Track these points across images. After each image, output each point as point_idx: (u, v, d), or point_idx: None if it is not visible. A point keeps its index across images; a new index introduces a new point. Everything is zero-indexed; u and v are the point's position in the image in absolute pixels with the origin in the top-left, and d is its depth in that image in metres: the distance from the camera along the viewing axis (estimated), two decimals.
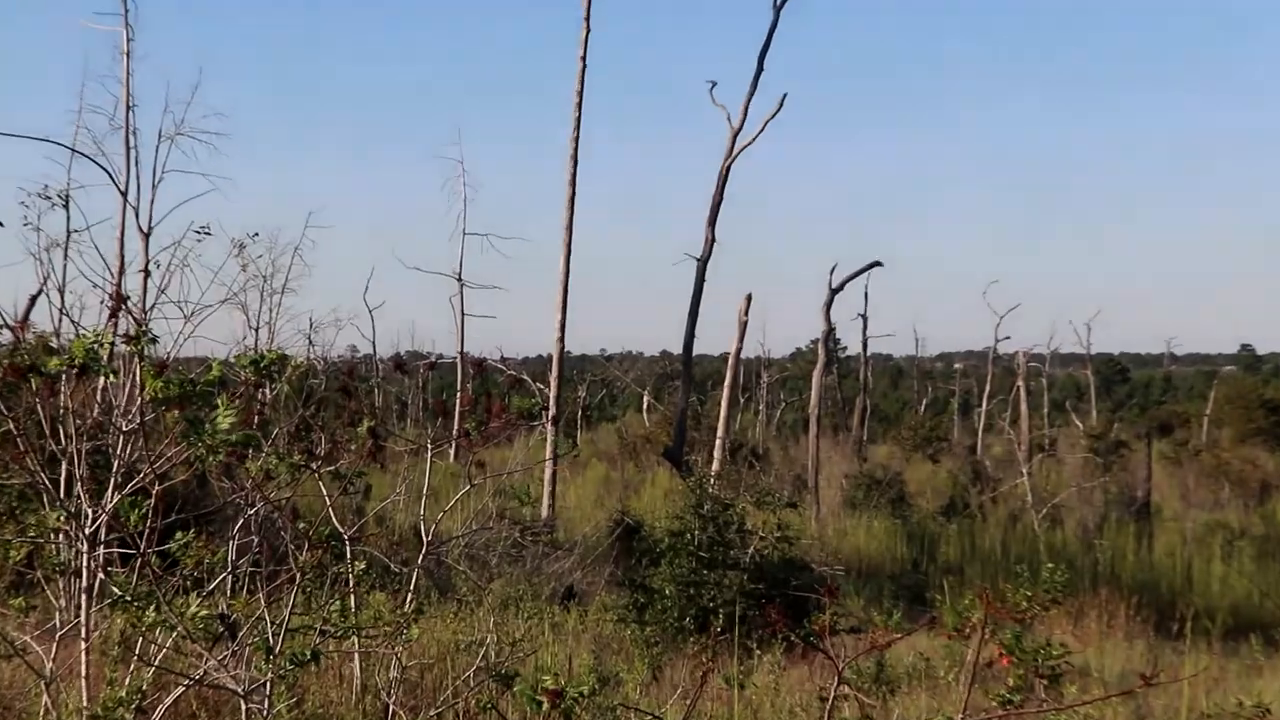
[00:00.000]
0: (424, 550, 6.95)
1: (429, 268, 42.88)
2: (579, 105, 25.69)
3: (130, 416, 6.43)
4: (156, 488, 5.48)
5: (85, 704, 5.85)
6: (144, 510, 5.07)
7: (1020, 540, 28.39)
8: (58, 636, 6.46)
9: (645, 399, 56.07)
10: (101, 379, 6.65)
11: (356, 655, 7.10)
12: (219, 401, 4.87)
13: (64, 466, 6.61)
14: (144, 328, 5.22)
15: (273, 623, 5.19)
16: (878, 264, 38.09)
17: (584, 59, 25.72)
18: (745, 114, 30.18)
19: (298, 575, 5.01)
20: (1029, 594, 11.55)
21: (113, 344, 5.65)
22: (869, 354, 53.37)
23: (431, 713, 6.64)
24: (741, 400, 55.35)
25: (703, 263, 29.45)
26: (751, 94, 30.17)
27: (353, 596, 6.50)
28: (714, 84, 31.31)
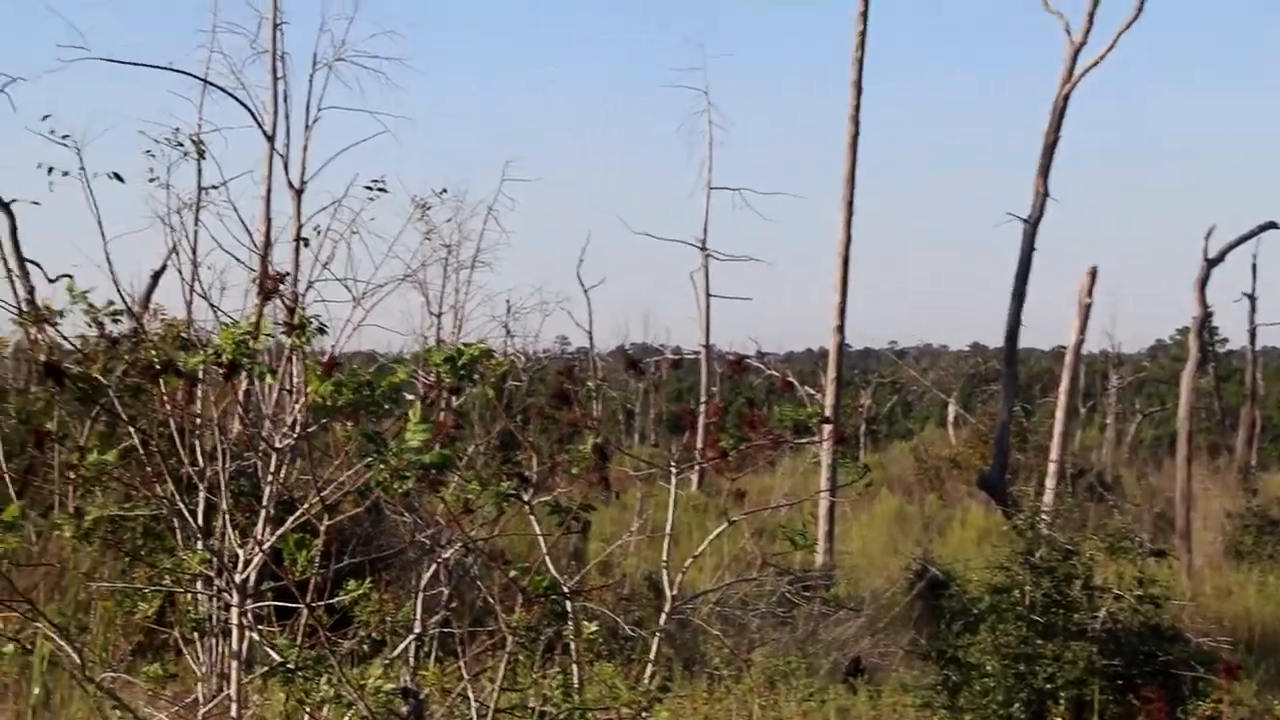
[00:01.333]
0: (667, 608, 6.94)
1: (663, 233, 42.46)
2: (864, 13, 25.29)
3: (286, 430, 6.58)
4: (325, 523, 5.60)
5: None
6: (313, 552, 5.18)
7: None
8: (201, 715, 6.67)
9: (951, 408, 55.18)
10: (254, 380, 6.85)
11: None
12: (409, 411, 4.94)
13: (202, 494, 6.81)
14: (309, 315, 5.34)
15: (476, 700, 5.24)
16: (1272, 225, 36.47)
17: None
18: (1090, 24, 29.27)
19: (507, 639, 5.04)
20: None
21: (269, 335, 5.79)
22: (1258, 348, 51.35)
23: None
24: (1083, 410, 54.16)
25: (1031, 225, 28.67)
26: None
27: (575, 667, 6.53)
28: None
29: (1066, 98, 29.18)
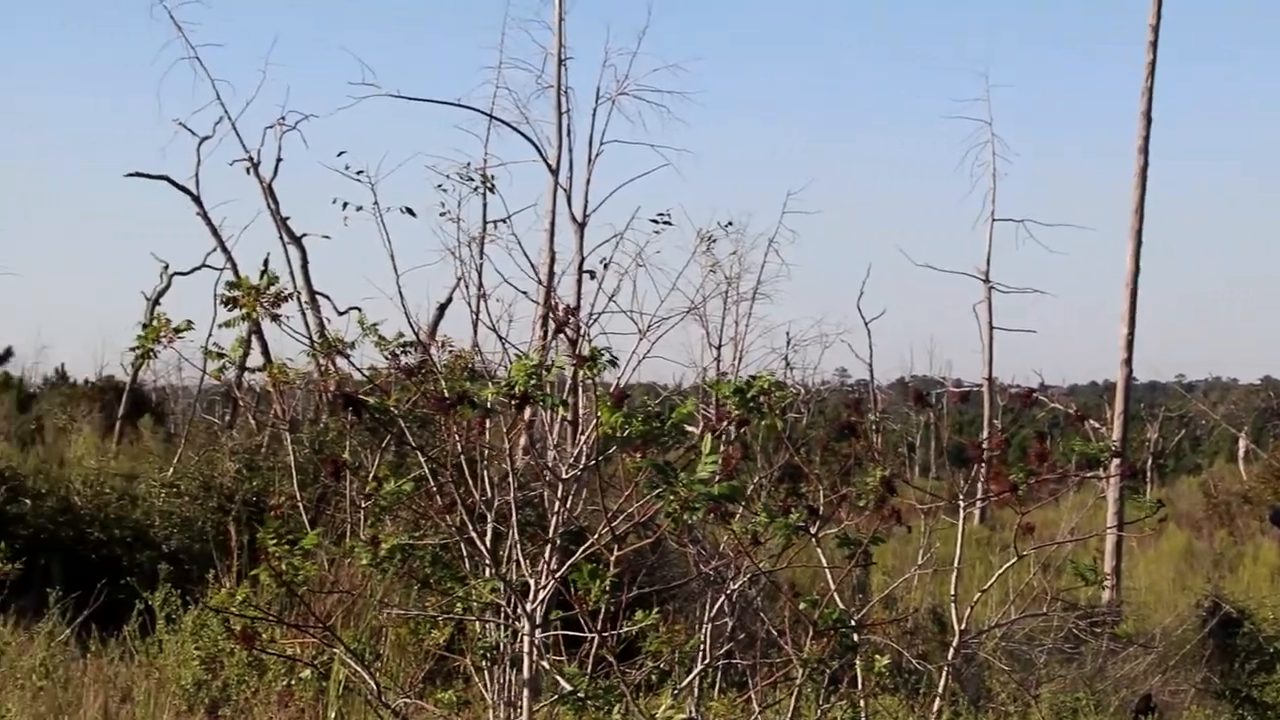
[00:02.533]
0: (955, 642, 6.88)
1: (944, 265, 42.00)
2: (1153, 43, 24.61)
3: (571, 461, 6.68)
4: (614, 553, 5.67)
5: None
6: (606, 581, 5.26)
7: None
8: None
9: (1242, 442, 53.54)
10: (540, 412, 6.98)
11: None
12: (700, 443, 4.98)
13: (489, 524, 6.95)
14: (599, 348, 5.42)
15: None
16: None
17: None
18: None
19: (800, 671, 5.04)
20: None
21: (562, 368, 5.89)
22: None
23: None
24: None
25: None
26: None
27: (862, 701, 6.50)
28: None
29: None
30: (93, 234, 76.59)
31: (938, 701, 6.71)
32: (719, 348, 34.22)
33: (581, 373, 5.69)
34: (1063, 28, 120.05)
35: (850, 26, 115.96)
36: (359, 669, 6.76)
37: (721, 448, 5.85)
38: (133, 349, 7.79)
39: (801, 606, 5.48)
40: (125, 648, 11.47)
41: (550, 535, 6.52)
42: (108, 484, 17.93)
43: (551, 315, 14.34)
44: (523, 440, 7.22)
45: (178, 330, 8.41)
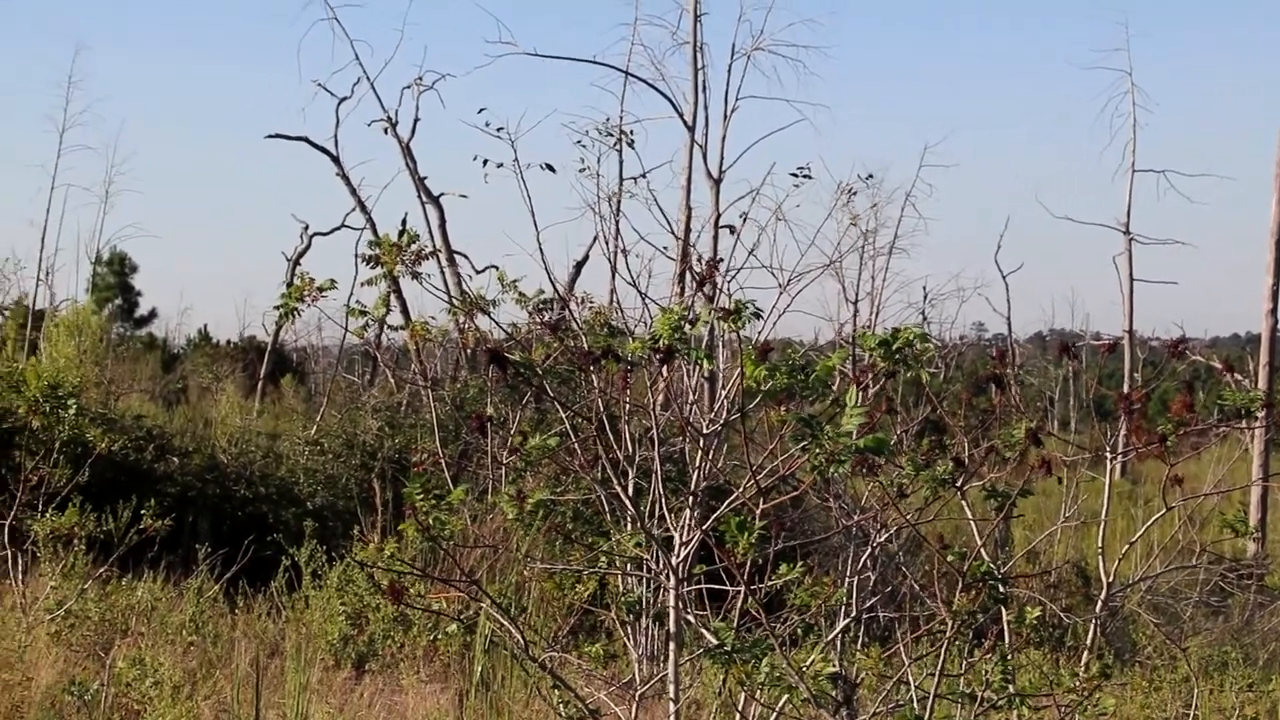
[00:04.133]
0: (1103, 595, 6.81)
1: (1082, 217, 41.33)
2: None
3: (714, 415, 6.67)
4: (759, 506, 5.65)
5: None
6: (754, 534, 5.24)
7: None
8: (637, 695, 6.83)
9: None
10: (683, 366, 6.97)
11: None
12: (845, 395, 4.95)
13: (630, 479, 6.98)
14: (744, 301, 5.40)
15: (916, 686, 5.22)
16: None
17: None
18: None
19: (949, 623, 5.01)
20: None
21: (707, 322, 5.88)
22: None
23: None
24: None
25: None
26: None
27: (1008, 655, 6.44)
28: None
29: None
30: (234, 197, 77.77)
31: (1085, 655, 6.64)
32: (855, 302, 34.12)
33: (723, 327, 5.68)
34: None
35: None
36: (505, 623, 6.81)
37: (879, 402, 5.82)
38: (276, 308, 7.91)
39: (950, 559, 5.43)
40: (272, 603, 11.66)
41: (692, 489, 6.52)
42: (252, 442, 18.23)
43: (690, 271, 14.33)
44: (660, 396, 7.21)
45: (321, 289, 8.51)
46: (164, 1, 75.99)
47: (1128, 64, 43.21)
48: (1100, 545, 7.14)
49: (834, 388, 6.05)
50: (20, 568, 11.27)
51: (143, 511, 11.41)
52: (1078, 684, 5.66)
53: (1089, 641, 6.81)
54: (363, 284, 8.90)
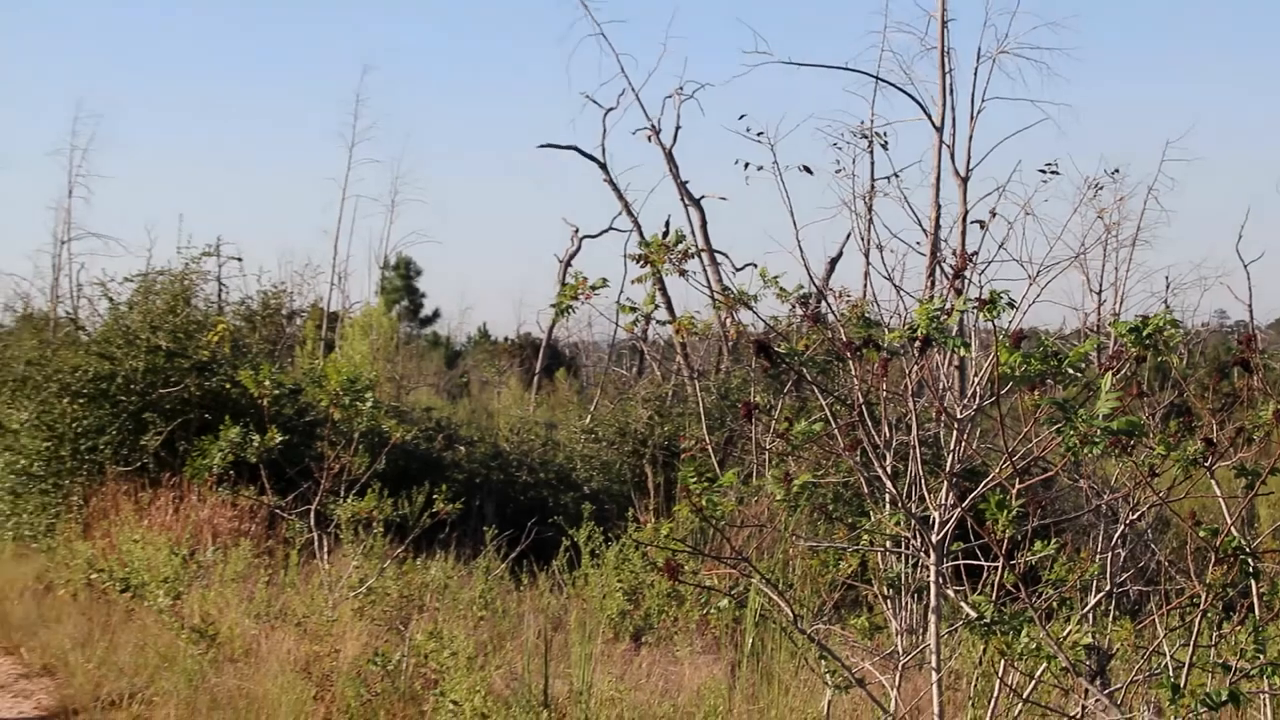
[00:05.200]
0: None
1: None
2: None
3: (968, 400, 6.68)
4: (1015, 486, 5.67)
5: None
6: (1012, 513, 5.26)
7: None
8: (900, 666, 6.89)
9: None
10: (932, 357, 6.97)
11: (1266, 699, 6.93)
12: (1100, 380, 4.94)
13: (889, 461, 7.01)
14: (999, 291, 5.42)
15: (1170, 656, 5.18)
16: None
17: None
18: None
19: (1202, 596, 4.96)
20: None
21: (961, 312, 5.90)
22: None
23: None
24: None
25: None
26: None
27: (1259, 626, 6.33)
28: None
29: None
30: (508, 203, 79.16)
31: None
32: (1100, 293, 33.54)
33: (979, 316, 5.70)
34: None
35: None
36: (774, 597, 6.90)
37: (1131, 385, 5.79)
38: (553, 305, 8.10)
39: (1202, 534, 5.37)
40: (554, 581, 11.92)
41: (948, 471, 6.54)
42: (531, 432, 18.64)
43: (940, 265, 14.29)
44: (919, 383, 7.23)
45: (594, 287, 8.71)
46: (440, 25, 77.65)
47: None
48: None
49: (1084, 373, 6.02)
50: (325, 549, 11.71)
51: (434, 496, 11.74)
52: None
53: None
54: (632, 282, 9.06)
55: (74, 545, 13.36)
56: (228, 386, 15.25)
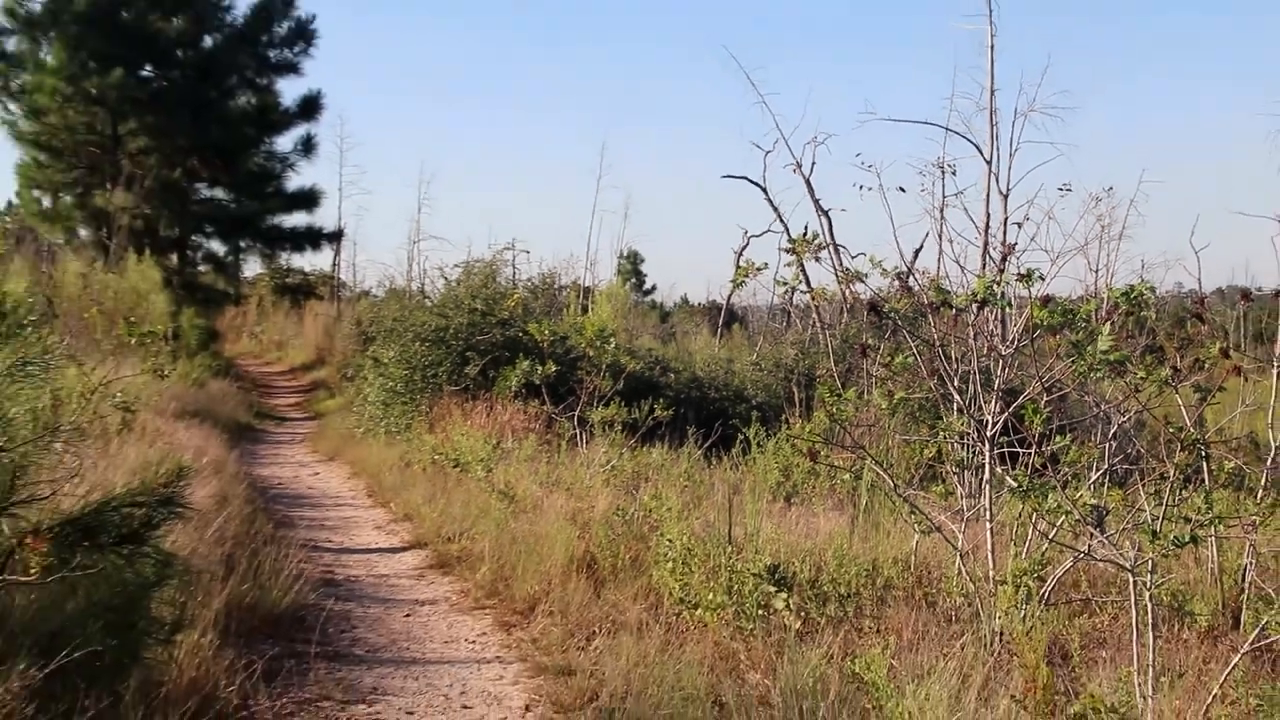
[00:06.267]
0: (1271, 455, 6.55)
1: (1255, 211, 38.46)
2: None
3: (1010, 342, 6.69)
4: (1043, 399, 5.69)
5: (993, 571, 6.24)
6: (1042, 417, 5.30)
7: None
8: (964, 519, 6.93)
9: None
10: (985, 313, 6.98)
11: (1212, 540, 6.84)
12: (1099, 327, 4.96)
13: (955, 383, 7.03)
14: (1030, 268, 5.44)
15: (1149, 513, 5.17)
16: None
17: None
18: None
19: (1171, 472, 4.96)
20: None
21: (1006, 284, 5.93)
22: None
23: None
24: None
25: None
26: None
27: (1209, 492, 6.25)
28: None
29: None
30: (703, 214, 78.98)
31: (1260, 492, 6.39)
32: (1096, 272, 32.99)
33: (1018, 286, 5.72)
34: None
35: None
36: (880, 472, 6.98)
37: (1122, 330, 5.77)
38: (731, 281, 8.23)
39: (1172, 430, 5.34)
40: (734, 462, 12.03)
41: (996, 389, 6.56)
42: (717, 364, 18.72)
43: (989, 253, 14.10)
44: (971, 330, 7.23)
45: (758, 269, 8.87)
46: (653, 108, 77.41)
47: None
48: (1270, 423, 6.82)
49: (1089, 324, 5.99)
50: (584, 440, 12.01)
51: (654, 407, 11.97)
52: (1251, 510, 5.48)
53: (1262, 484, 6.53)
54: (785, 265, 9.18)
55: (423, 437, 13.79)
56: (520, 335, 15.59)
